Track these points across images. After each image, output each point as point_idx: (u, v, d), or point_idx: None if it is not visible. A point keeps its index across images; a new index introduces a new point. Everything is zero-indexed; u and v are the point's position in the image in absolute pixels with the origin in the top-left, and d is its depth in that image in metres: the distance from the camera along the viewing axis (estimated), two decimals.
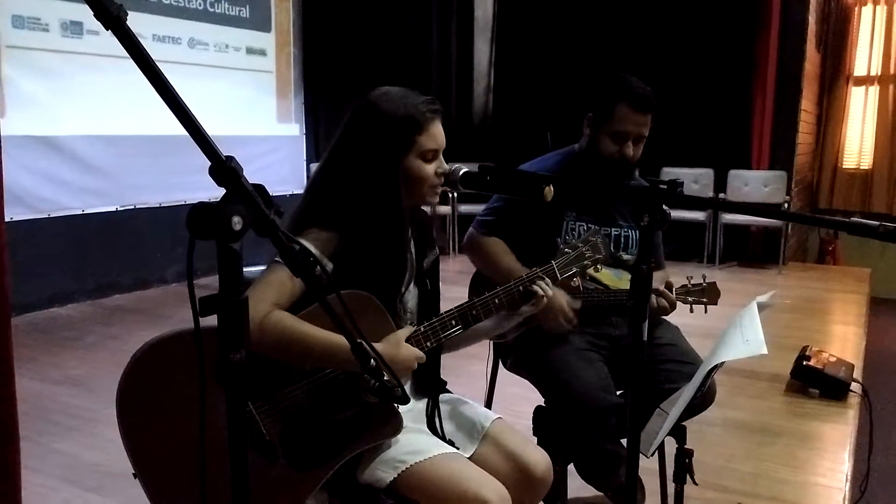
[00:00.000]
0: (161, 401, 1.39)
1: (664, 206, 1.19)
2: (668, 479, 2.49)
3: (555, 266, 1.74)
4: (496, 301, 1.65)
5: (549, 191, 1.37)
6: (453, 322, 1.61)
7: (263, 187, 0.96)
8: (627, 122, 2.20)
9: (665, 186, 1.18)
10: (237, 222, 0.92)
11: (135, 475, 1.39)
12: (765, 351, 1.34)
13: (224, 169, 0.91)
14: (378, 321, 1.55)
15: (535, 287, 1.69)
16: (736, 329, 1.46)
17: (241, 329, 0.93)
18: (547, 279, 1.71)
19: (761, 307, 1.51)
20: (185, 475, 1.38)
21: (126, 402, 1.38)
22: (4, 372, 1.43)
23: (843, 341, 4.86)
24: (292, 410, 1.51)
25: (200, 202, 0.92)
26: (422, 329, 1.59)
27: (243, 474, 0.97)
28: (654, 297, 2.20)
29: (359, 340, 1.17)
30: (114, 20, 0.80)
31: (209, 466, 1.08)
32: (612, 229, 2.35)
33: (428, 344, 1.58)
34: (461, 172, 1.59)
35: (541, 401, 2.38)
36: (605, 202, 2.35)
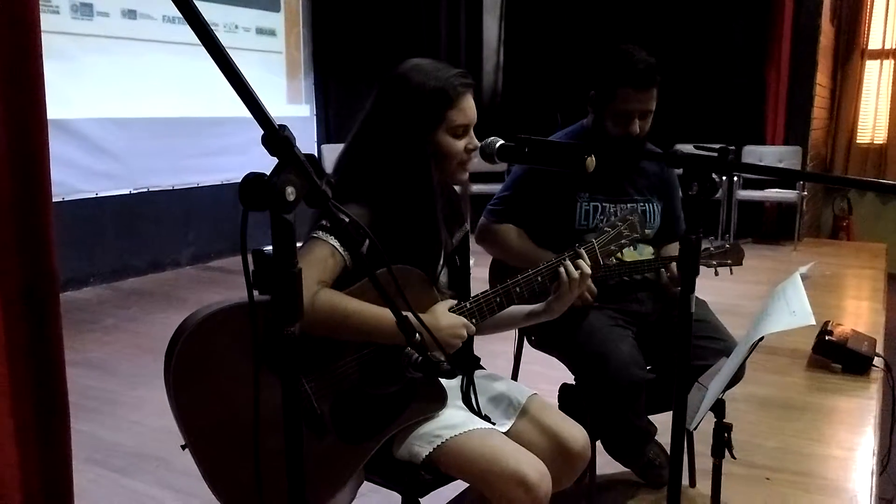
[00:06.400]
0: (217, 373, 1.37)
1: (713, 175, 1.17)
2: (696, 454, 2.49)
3: (595, 244, 1.73)
4: (538, 279, 1.65)
5: (592, 161, 1.34)
6: (498, 299, 1.61)
7: (315, 157, 0.94)
8: (631, 101, 2.14)
9: (716, 154, 1.15)
10: (290, 193, 0.90)
11: (183, 447, 1.38)
12: (812, 321, 1.32)
13: (278, 138, 0.89)
14: (423, 294, 1.55)
15: (580, 262, 1.67)
16: (780, 300, 1.44)
17: (296, 301, 0.91)
18: (587, 257, 1.69)
19: (803, 278, 1.49)
20: (240, 447, 1.37)
21: (180, 376, 1.35)
22: (57, 355, 1.41)
23: (861, 317, 4.83)
24: (342, 384, 1.51)
25: (252, 172, 0.90)
26: (467, 305, 1.58)
27: (298, 451, 0.96)
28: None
29: (405, 315, 1.15)
30: None
31: (265, 440, 1.07)
32: (629, 205, 2.31)
33: (473, 321, 1.57)
34: (498, 145, 1.56)
35: (563, 378, 2.37)
36: (618, 177, 2.31)
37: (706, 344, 2.19)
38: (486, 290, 1.62)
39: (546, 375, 2.54)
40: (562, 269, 1.66)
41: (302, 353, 1.41)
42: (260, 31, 6.56)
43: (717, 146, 1.15)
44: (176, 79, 5.50)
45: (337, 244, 1.46)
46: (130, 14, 5.39)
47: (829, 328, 3.78)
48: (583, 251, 1.69)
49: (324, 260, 1.45)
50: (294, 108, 7.01)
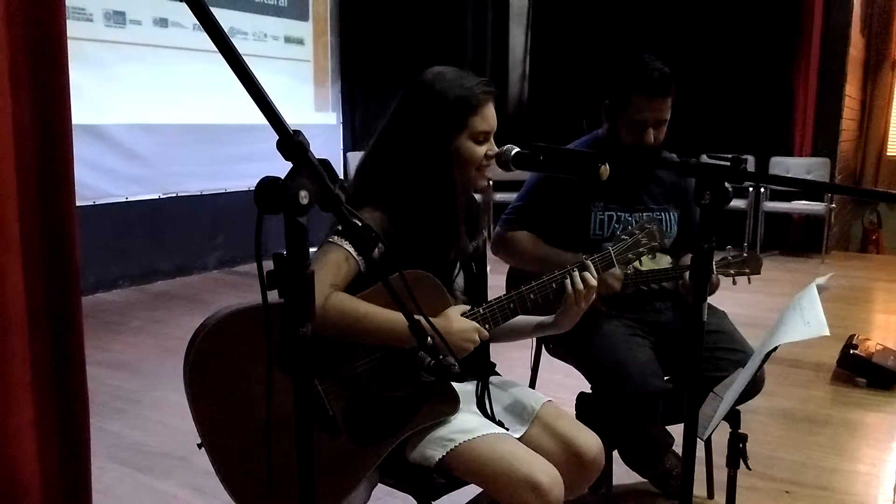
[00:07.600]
0: (233, 371, 1.40)
1: (727, 184, 1.17)
2: (713, 466, 2.48)
3: (612, 252, 1.73)
4: (553, 285, 1.65)
5: (605, 169, 1.35)
6: (511, 305, 1.61)
7: (328, 162, 0.96)
8: (644, 110, 2.13)
9: (728, 163, 1.16)
10: (304, 196, 0.92)
11: (200, 446, 1.40)
12: (827, 332, 1.31)
13: (292, 143, 0.92)
14: (437, 299, 1.56)
15: (586, 274, 1.67)
16: (795, 311, 1.44)
17: (308, 302, 0.94)
18: (593, 269, 1.68)
19: (820, 289, 1.48)
20: (251, 445, 1.39)
21: (197, 375, 1.38)
22: (77, 354, 1.45)
23: (890, 331, 4.76)
24: (354, 387, 1.52)
25: (267, 177, 0.93)
26: (480, 311, 1.59)
27: (308, 452, 0.98)
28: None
29: (417, 318, 1.17)
30: None
31: (279, 441, 1.09)
32: (644, 214, 2.31)
33: (486, 326, 1.58)
34: (513, 152, 1.58)
35: (581, 387, 2.37)
36: (633, 186, 2.31)
37: (724, 355, 2.18)
38: (500, 297, 1.62)
39: (564, 384, 2.55)
40: (567, 282, 1.64)
41: (315, 355, 1.44)
42: (288, 40, 6.64)
43: (729, 155, 1.16)
44: (206, 86, 5.60)
45: (351, 249, 1.48)
46: (162, 22, 5.50)
47: (854, 342, 3.73)
48: (589, 263, 1.67)
49: (337, 264, 1.48)
50: (322, 116, 7.09)
